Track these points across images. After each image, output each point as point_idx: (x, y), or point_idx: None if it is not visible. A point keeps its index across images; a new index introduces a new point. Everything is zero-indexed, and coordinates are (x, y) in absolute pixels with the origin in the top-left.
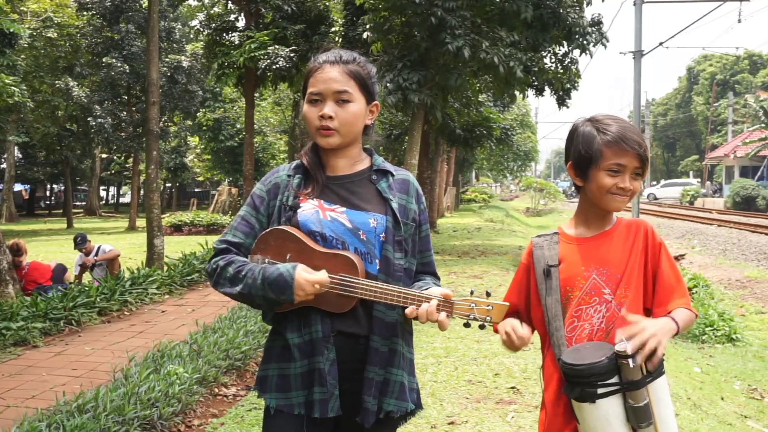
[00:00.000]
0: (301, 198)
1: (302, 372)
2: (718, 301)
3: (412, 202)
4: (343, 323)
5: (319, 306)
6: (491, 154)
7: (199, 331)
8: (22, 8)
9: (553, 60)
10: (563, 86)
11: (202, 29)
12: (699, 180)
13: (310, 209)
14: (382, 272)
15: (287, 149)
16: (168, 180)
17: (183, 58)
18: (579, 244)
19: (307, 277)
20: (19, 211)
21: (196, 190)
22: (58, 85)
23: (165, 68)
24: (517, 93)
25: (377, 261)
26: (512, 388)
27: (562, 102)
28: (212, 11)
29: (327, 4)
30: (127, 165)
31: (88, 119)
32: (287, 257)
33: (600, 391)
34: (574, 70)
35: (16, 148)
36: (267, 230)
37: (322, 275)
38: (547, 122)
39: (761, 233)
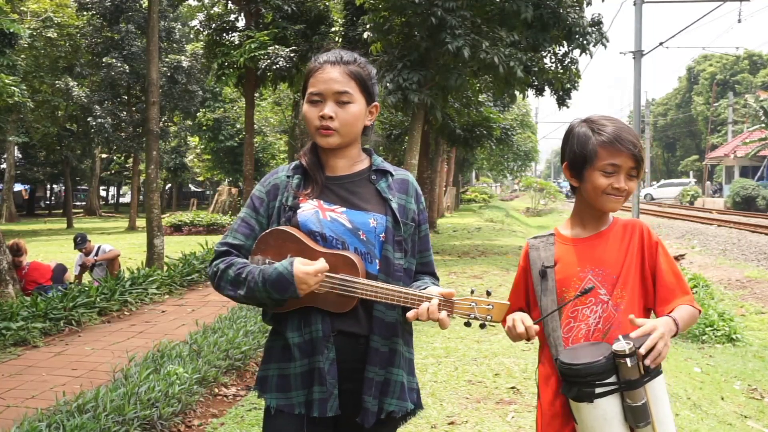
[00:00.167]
0: (300, 198)
1: (302, 371)
2: (718, 301)
3: (412, 202)
4: (344, 323)
5: (319, 306)
6: (491, 154)
7: (199, 331)
8: (22, 8)
9: (553, 60)
10: (563, 86)
11: (202, 29)
12: (696, 180)
13: (310, 209)
14: (382, 272)
15: (287, 149)
16: (168, 180)
17: (183, 58)
18: (575, 245)
19: (306, 270)
20: (19, 211)
21: (193, 189)
22: (58, 85)
23: (165, 68)
24: (517, 93)
25: (377, 261)
26: (512, 388)
27: (562, 102)
28: (212, 11)
29: (327, 4)
30: (127, 165)
31: (88, 119)
32: (287, 258)
33: (598, 390)
34: (574, 70)
35: (16, 148)
36: (267, 231)
37: (321, 263)
38: (547, 122)
39: (761, 233)
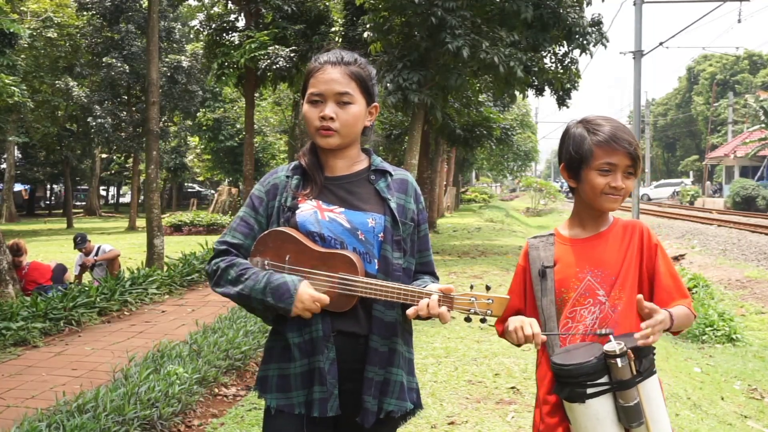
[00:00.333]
0: (299, 199)
1: (302, 371)
2: (718, 301)
3: (411, 202)
4: (343, 323)
5: None
6: (491, 154)
7: (199, 331)
8: (22, 8)
9: (553, 60)
10: (563, 86)
11: (202, 29)
12: (694, 180)
13: (309, 210)
14: (381, 272)
15: (287, 149)
16: (168, 180)
17: (183, 58)
18: (574, 246)
19: (310, 293)
20: (19, 211)
21: (189, 190)
22: (58, 85)
23: (165, 68)
24: (517, 93)
25: (376, 261)
26: (512, 388)
27: (562, 102)
28: (212, 11)
29: (327, 4)
30: (127, 165)
31: (88, 119)
32: (286, 258)
33: (589, 391)
34: (574, 70)
35: (16, 148)
36: (265, 232)
37: (324, 297)
38: (547, 122)
39: (761, 233)
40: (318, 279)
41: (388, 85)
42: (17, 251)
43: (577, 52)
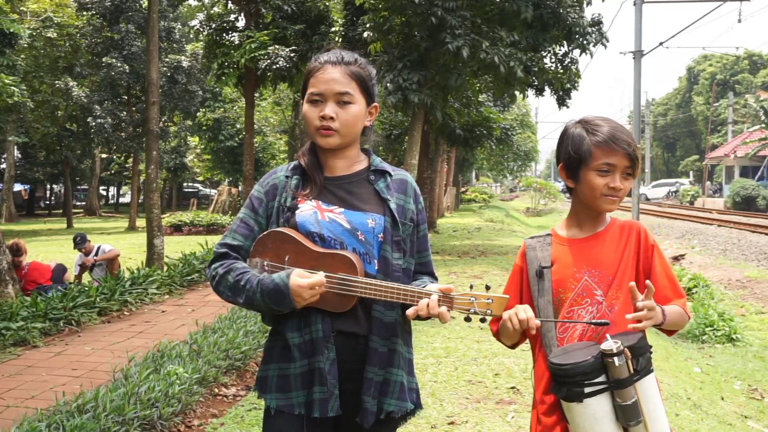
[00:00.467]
0: (299, 199)
1: (302, 372)
2: (718, 301)
3: (410, 202)
4: (343, 323)
5: (319, 306)
6: (491, 154)
7: (199, 331)
8: (22, 8)
9: (553, 60)
10: (563, 86)
11: (202, 29)
12: (693, 180)
13: (308, 210)
14: (381, 272)
15: (287, 149)
16: (168, 180)
17: (183, 58)
18: (571, 246)
19: (302, 283)
20: (18, 211)
21: (187, 189)
22: (58, 85)
23: (165, 68)
24: (517, 93)
25: (376, 261)
26: (512, 388)
27: (562, 102)
28: (212, 11)
29: (327, 4)
30: (127, 165)
31: (88, 119)
32: (286, 259)
33: (587, 390)
34: (574, 70)
35: (15, 148)
36: (265, 233)
37: (318, 277)
38: (547, 122)
39: (761, 233)
40: None
41: (388, 85)
42: (17, 251)
43: (577, 52)
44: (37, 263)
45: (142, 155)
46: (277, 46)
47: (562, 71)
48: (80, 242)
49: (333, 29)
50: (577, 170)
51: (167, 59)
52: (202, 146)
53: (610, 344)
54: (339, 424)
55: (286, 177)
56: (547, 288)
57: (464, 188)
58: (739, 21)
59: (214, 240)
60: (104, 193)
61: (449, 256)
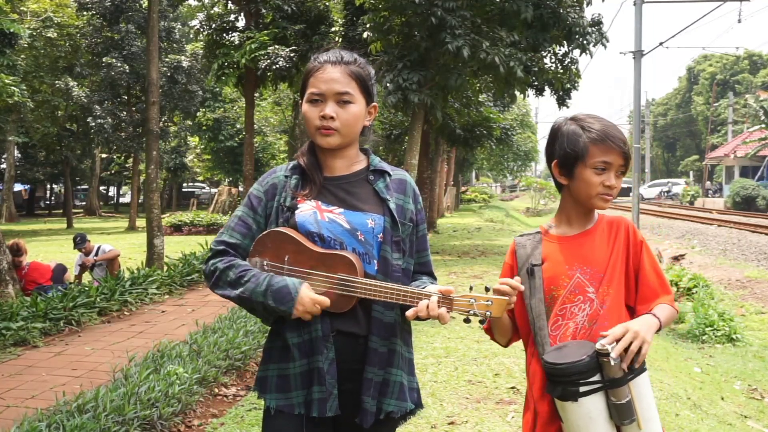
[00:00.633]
0: (298, 199)
1: (301, 371)
2: (718, 301)
3: (410, 202)
4: (343, 323)
5: None
6: (491, 154)
7: (199, 331)
8: (22, 8)
9: (553, 60)
10: (563, 86)
11: (202, 29)
12: (693, 180)
13: (308, 210)
14: (381, 273)
15: (287, 149)
16: (168, 180)
17: (183, 58)
18: (562, 243)
19: (311, 295)
20: (19, 211)
21: (185, 190)
22: (58, 85)
23: (165, 68)
24: (517, 93)
25: (375, 261)
26: (512, 388)
27: (562, 102)
28: (212, 11)
29: (327, 4)
30: (127, 165)
31: (88, 119)
32: (285, 259)
33: (582, 389)
34: (574, 70)
35: (16, 148)
36: (264, 233)
37: (325, 299)
38: (547, 122)
39: (761, 233)
40: (317, 280)
41: (388, 85)
42: (17, 251)
43: (577, 52)
44: (37, 263)
45: (142, 155)
46: (277, 46)
47: (562, 71)
48: (80, 242)
49: (333, 29)
50: (573, 168)
51: (167, 59)
52: (202, 146)
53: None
54: (338, 424)
55: (286, 177)
56: (539, 286)
57: (464, 188)
58: (739, 21)
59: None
60: (104, 191)
61: (449, 256)
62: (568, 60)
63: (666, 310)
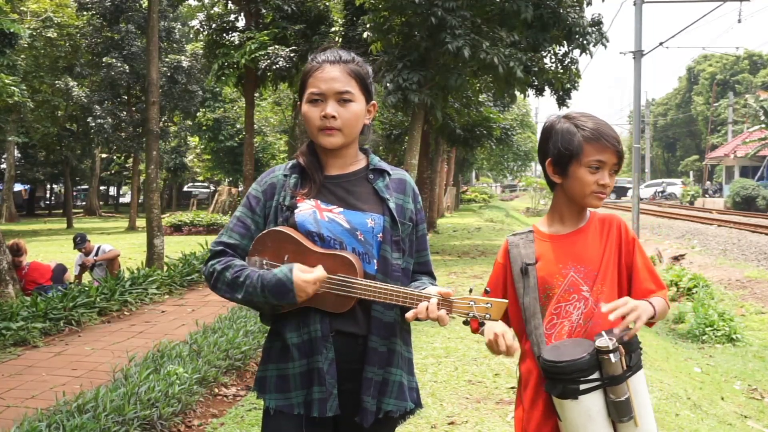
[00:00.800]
0: (297, 198)
1: (301, 372)
2: (718, 301)
3: (409, 202)
4: (342, 323)
5: (318, 306)
6: (491, 154)
7: (199, 331)
8: (22, 8)
9: (553, 60)
10: (563, 86)
11: (202, 29)
12: (682, 180)
13: (308, 210)
14: (380, 272)
15: (287, 149)
16: (168, 180)
17: (183, 58)
18: (555, 242)
19: (305, 278)
20: (19, 211)
21: (184, 190)
22: (58, 85)
23: (165, 68)
24: (517, 93)
25: (375, 261)
26: (512, 388)
27: (562, 102)
28: (212, 11)
29: (327, 4)
30: (127, 165)
31: (88, 119)
32: (285, 258)
33: (582, 387)
34: (574, 70)
35: (16, 148)
36: (264, 232)
37: (319, 272)
38: None
39: (761, 233)
40: None
41: (388, 85)
42: (17, 251)
43: (577, 52)
44: (37, 263)
45: (142, 155)
46: (277, 46)
47: (562, 71)
48: (80, 242)
49: (333, 29)
50: (567, 166)
51: (167, 59)
52: (202, 146)
53: (605, 341)
54: (338, 424)
55: (285, 176)
56: (533, 285)
57: (464, 188)
58: (739, 21)
59: (214, 239)
60: (104, 191)
61: (449, 256)
62: (568, 60)
63: (661, 303)
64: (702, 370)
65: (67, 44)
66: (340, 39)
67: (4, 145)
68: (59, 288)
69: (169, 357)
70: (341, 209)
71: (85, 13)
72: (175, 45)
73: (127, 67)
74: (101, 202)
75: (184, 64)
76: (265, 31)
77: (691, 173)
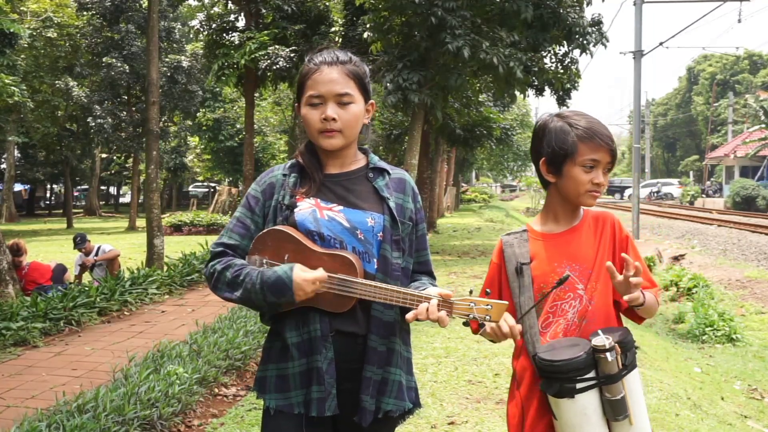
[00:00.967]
0: (297, 197)
1: (300, 371)
2: (718, 301)
3: (409, 201)
4: (342, 322)
5: (318, 306)
6: (491, 154)
7: (199, 331)
8: (22, 8)
9: (553, 60)
10: (563, 86)
11: (202, 29)
12: (680, 181)
13: (307, 208)
14: (380, 272)
15: (287, 149)
16: (168, 180)
17: (183, 58)
18: (550, 241)
19: (305, 277)
20: (19, 211)
21: (183, 190)
22: (58, 85)
23: (165, 68)
24: (517, 93)
25: (375, 260)
26: None
27: (562, 102)
28: (212, 11)
29: (327, 4)
30: (127, 165)
31: (88, 119)
32: (285, 258)
33: (578, 386)
34: (574, 70)
35: (16, 148)
36: (264, 231)
37: (320, 273)
38: None
39: (761, 233)
40: None
41: (388, 85)
42: (17, 251)
43: (577, 52)
44: (37, 263)
45: (142, 155)
46: (277, 46)
47: (562, 71)
48: (80, 242)
49: (333, 29)
50: (561, 165)
51: (167, 59)
52: (202, 146)
53: (602, 340)
54: (338, 423)
55: (284, 175)
56: (528, 284)
57: (464, 188)
58: (739, 21)
59: (214, 240)
60: (104, 191)
61: (449, 256)
62: (568, 60)
63: (650, 296)
64: (702, 370)
65: (67, 44)
66: (340, 39)
67: (4, 145)
68: (59, 288)
69: (169, 357)
70: (341, 207)
71: (85, 13)
72: (175, 45)
73: (127, 67)
74: (101, 202)
75: (184, 64)
76: (265, 31)
77: (691, 173)
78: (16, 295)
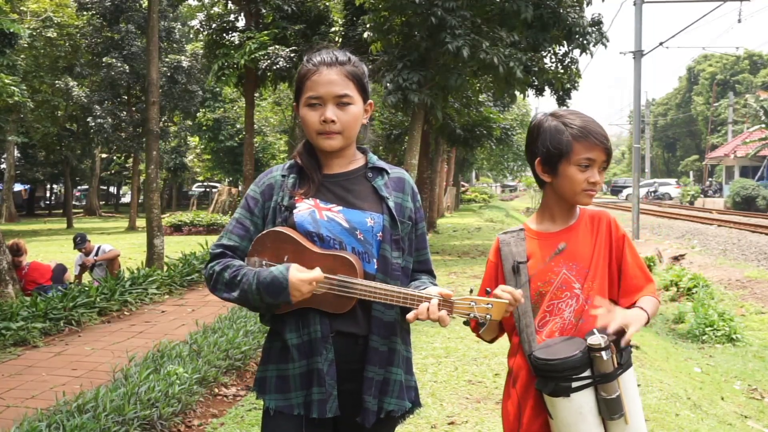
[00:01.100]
0: (296, 198)
1: (301, 372)
2: (718, 301)
3: (408, 201)
4: (342, 323)
5: (318, 307)
6: (491, 154)
7: (199, 331)
8: (22, 8)
9: (553, 60)
10: (563, 86)
11: (202, 29)
12: (678, 181)
13: (306, 209)
14: (380, 271)
15: (287, 149)
16: (168, 180)
17: (183, 58)
18: (546, 240)
19: (301, 277)
20: (19, 211)
21: (183, 190)
22: (58, 85)
23: (165, 68)
24: (517, 93)
25: (375, 260)
26: None
27: (562, 102)
28: (212, 11)
29: (327, 4)
30: (127, 165)
31: (88, 119)
32: (285, 259)
33: (574, 385)
34: (574, 70)
35: (16, 148)
36: (263, 232)
37: (316, 272)
38: None
39: (761, 233)
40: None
41: (388, 85)
42: (17, 251)
43: (577, 52)
44: (37, 263)
45: (142, 155)
46: (277, 46)
47: (562, 71)
48: (80, 242)
49: (333, 29)
50: (556, 165)
51: (167, 59)
52: (202, 146)
53: (597, 339)
54: (339, 424)
55: (283, 176)
56: (524, 283)
57: (464, 188)
58: (739, 21)
59: (213, 240)
60: (104, 191)
61: (449, 256)
62: (568, 60)
63: (651, 303)
64: (702, 370)
65: (67, 44)
66: (340, 39)
67: (4, 145)
68: (59, 288)
69: (169, 357)
70: (340, 208)
71: (85, 13)
72: (175, 45)
73: (127, 67)
74: (101, 202)
75: (184, 64)
76: (265, 31)
77: (691, 173)
78: (16, 295)
